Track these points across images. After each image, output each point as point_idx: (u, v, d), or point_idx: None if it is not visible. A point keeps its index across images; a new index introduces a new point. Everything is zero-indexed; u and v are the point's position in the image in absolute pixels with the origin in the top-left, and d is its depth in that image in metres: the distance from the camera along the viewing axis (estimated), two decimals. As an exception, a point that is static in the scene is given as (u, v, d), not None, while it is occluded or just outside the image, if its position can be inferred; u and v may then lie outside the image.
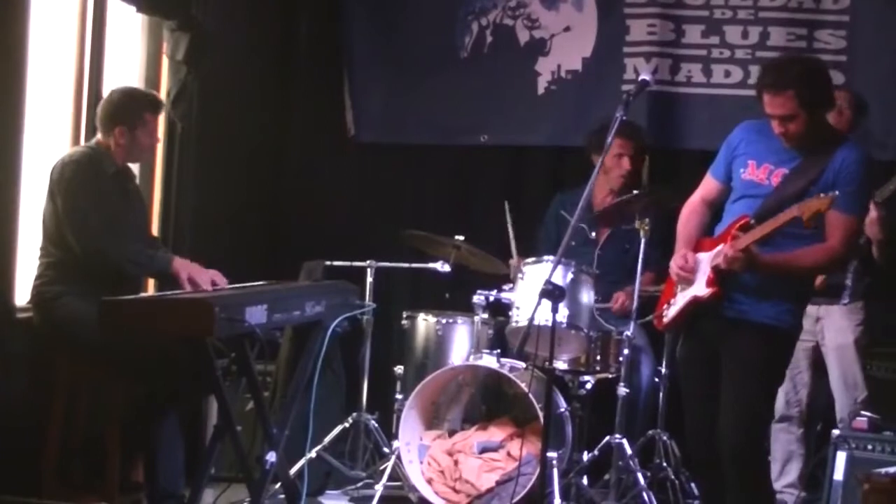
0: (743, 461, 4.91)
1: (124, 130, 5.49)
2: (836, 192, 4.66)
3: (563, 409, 6.14)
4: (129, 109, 5.53)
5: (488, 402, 6.50)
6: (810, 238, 4.82)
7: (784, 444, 6.31)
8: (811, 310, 6.15)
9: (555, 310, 4.92)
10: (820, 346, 6.26)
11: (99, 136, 5.55)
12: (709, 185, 5.20)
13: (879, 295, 6.31)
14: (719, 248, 4.92)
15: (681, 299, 5.10)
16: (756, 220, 4.87)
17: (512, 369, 6.13)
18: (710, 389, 5.00)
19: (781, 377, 5.23)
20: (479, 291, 6.37)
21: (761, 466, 5.12)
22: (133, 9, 6.16)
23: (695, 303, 5.01)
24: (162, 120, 5.94)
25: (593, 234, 6.86)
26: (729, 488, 4.95)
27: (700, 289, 4.98)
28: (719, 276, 4.90)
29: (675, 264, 5.08)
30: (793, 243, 4.82)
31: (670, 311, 5.18)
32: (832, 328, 6.21)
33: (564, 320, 5.94)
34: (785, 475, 6.30)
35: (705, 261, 5.00)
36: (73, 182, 5.34)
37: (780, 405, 6.21)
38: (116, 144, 5.50)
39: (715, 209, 5.19)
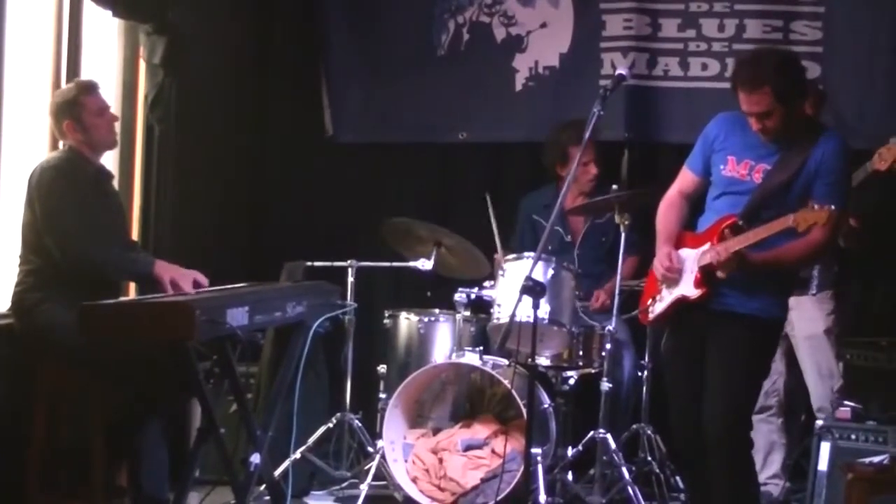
0: (729, 452, 4.92)
1: (72, 123, 5.46)
2: (832, 207, 4.64)
3: (546, 405, 6.14)
4: (65, 102, 5.49)
5: (472, 399, 6.50)
6: (794, 231, 4.81)
7: (765, 435, 6.32)
8: None
9: (536, 306, 4.92)
10: (790, 336, 6.27)
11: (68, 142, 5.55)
12: (686, 179, 5.19)
13: (847, 283, 6.35)
14: (706, 246, 4.92)
15: (667, 296, 5.08)
16: (743, 220, 4.86)
17: (495, 366, 6.14)
18: (696, 381, 5.00)
19: (767, 368, 5.24)
20: (460, 289, 6.36)
21: (747, 457, 5.11)
22: (109, 13, 6.15)
23: (682, 301, 5.01)
24: (111, 102, 5.89)
25: (569, 236, 6.89)
26: (714, 479, 4.96)
27: (688, 289, 4.97)
28: (707, 277, 4.89)
29: (660, 265, 5.06)
30: (778, 237, 4.81)
31: (656, 308, 5.16)
32: (803, 318, 6.22)
33: (546, 316, 5.94)
34: (768, 466, 6.32)
35: (691, 259, 4.99)
36: (52, 187, 5.32)
37: None
38: (77, 142, 5.48)
39: (693, 202, 5.18)
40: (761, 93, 4.77)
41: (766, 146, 4.91)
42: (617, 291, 6.25)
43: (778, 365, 6.30)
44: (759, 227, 4.80)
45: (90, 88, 5.56)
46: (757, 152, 4.93)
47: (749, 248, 4.79)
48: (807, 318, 6.22)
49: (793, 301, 6.12)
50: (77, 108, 5.46)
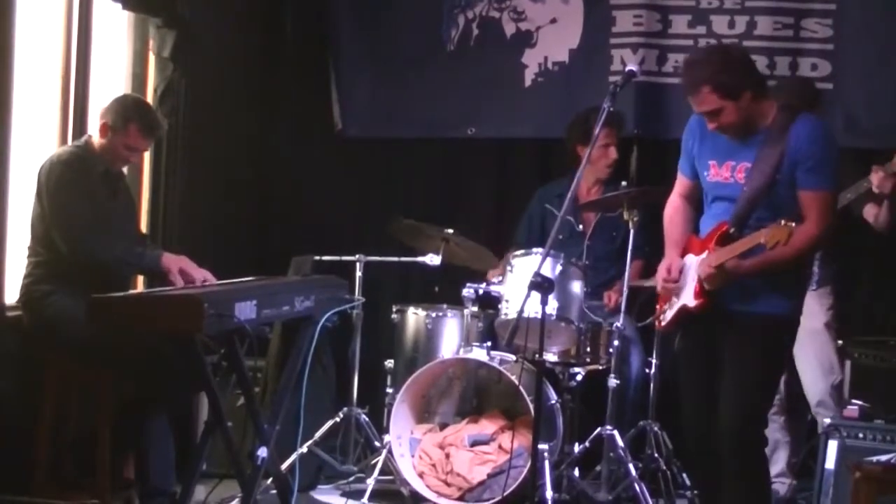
0: (743, 450, 4.90)
1: (107, 126, 5.47)
2: (794, 224, 4.55)
3: (553, 402, 6.14)
4: (122, 111, 5.49)
5: (479, 395, 6.50)
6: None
7: (769, 434, 6.29)
8: None
9: (544, 302, 4.91)
10: None
11: (90, 133, 5.54)
12: (682, 183, 5.17)
13: (847, 281, 6.35)
14: (703, 255, 4.89)
15: (675, 304, 5.07)
16: (734, 226, 4.83)
17: (502, 362, 6.14)
18: (709, 381, 4.97)
19: (781, 367, 5.20)
20: (468, 284, 6.36)
21: (760, 456, 5.09)
22: (119, 6, 6.15)
23: (685, 311, 5.00)
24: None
25: (580, 226, 6.88)
26: (727, 478, 4.93)
27: (689, 299, 4.94)
28: (705, 287, 4.89)
29: (659, 277, 5.06)
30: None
31: (667, 315, 5.14)
32: (804, 313, 6.21)
33: (554, 312, 5.94)
34: (773, 465, 6.28)
35: (693, 266, 4.96)
36: (60, 182, 5.32)
37: None
38: (98, 140, 5.48)
39: (696, 202, 5.15)
40: (702, 93, 4.73)
41: (743, 143, 4.84)
42: (625, 289, 6.24)
43: None
44: (745, 236, 4.75)
45: (147, 125, 5.53)
46: (734, 151, 4.87)
47: (736, 259, 4.74)
48: (807, 312, 6.16)
49: None
50: (122, 125, 5.46)
